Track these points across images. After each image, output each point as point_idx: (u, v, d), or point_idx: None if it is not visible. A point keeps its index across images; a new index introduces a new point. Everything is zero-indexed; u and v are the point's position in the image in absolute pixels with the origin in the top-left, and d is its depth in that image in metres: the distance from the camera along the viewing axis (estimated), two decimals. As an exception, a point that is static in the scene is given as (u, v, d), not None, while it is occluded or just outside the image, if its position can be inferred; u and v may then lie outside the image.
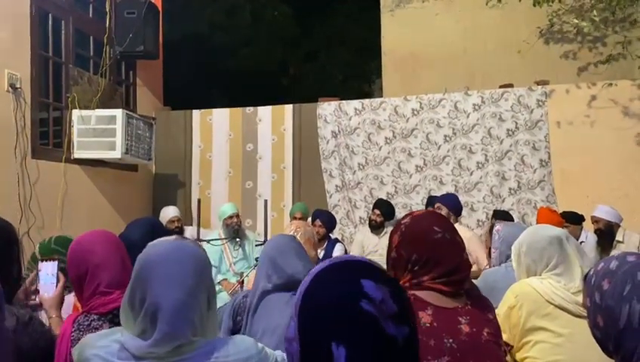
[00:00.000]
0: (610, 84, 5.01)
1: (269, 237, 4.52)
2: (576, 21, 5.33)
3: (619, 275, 1.15)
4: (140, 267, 1.30)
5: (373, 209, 5.19)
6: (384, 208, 5.14)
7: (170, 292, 1.24)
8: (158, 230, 2.27)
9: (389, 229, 5.20)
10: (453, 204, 4.54)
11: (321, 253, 4.57)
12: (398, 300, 0.87)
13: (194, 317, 1.26)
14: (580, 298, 1.96)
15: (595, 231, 4.48)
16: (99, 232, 1.85)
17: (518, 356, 2.00)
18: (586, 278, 1.25)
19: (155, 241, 1.36)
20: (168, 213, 5.09)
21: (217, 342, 1.30)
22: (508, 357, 1.96)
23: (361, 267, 0.90)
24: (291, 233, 2.51)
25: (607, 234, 4.41)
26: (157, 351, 1.23)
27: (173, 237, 1.46)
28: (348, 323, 0.83)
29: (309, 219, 4.91)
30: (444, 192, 5.15)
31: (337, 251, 4.63)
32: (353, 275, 0.87)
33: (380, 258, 5.10)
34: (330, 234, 4.86)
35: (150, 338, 1.23)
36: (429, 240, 1.55)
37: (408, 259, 1.55)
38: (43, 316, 1.85)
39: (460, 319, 1.52)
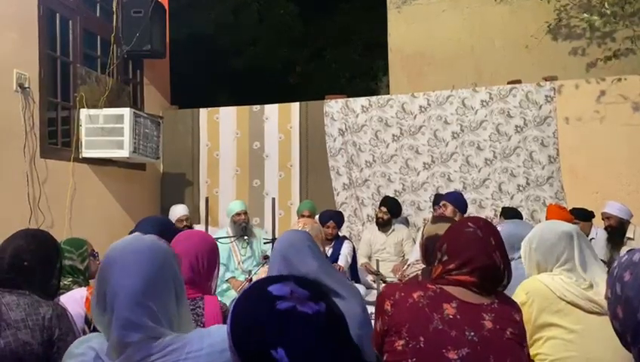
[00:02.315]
0: (620, 79, 4.97)
1: (276, 236, 4.52)
2: (586, 15, 5.28)
3: None
4: (102, 266, 1.27)
5: (380, 206, 5.18)
6: (391, 206, 5.13)
7: (126, 281, 1.20)
8: (168, 228, 2.27)
9: (396, 227, 5.20)
10: (458, 201, 4.51)
11: (329, 251, 4.58)
12: (306, 286, 0.96)
13: (153, 306, 1.19)
14: (591, 294, 1.95)
15: (606, 228, 4.45)
16: (199, 233, 2.11)
17: (530, 353, 1.98)
18: (609, 271, 1.24)
19: (117, 241, 1.33)
20: (177, 211, 5.10)
21: (190, 335, 1.23)
22: None
23: (265, 280, 1.01)
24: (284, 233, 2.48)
25: (618, 230, 4.38)
26: (121, 348, 1.17)
27: (135, 234, 1.43)
28: (273, 326, 0.90)
29: (316, 217, 4.91)
30: (452, 189, 5.14)
31: (345, 248, 4.63)
32: (261, 288, 0.97)
33: (387, 256, 5.09)
34: (339, 232, 4.86)
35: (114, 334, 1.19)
36: (460, 232, 1.67)
37: (440, 247, 1.69)
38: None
39: (484, 315, 1.55)
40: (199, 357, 1.18)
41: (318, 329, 0.90)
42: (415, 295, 1.56)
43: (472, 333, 1.50)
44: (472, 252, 1.61)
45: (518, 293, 2.04)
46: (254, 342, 0.91)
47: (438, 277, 1.64)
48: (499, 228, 2.81)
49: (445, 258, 1.65)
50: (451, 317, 1.52)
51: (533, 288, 2.02)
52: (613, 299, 1.18)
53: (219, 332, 1.23)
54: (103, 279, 1.24)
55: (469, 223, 1.69)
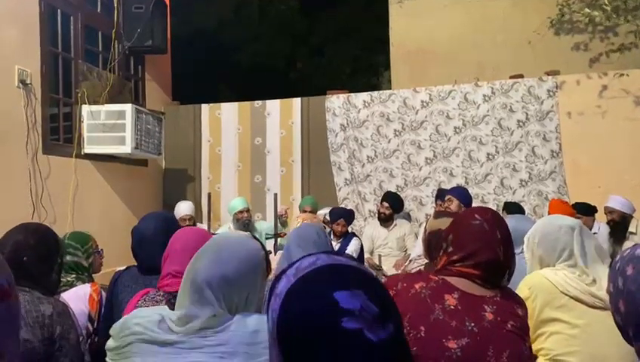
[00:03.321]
0: (622, 74, 4.96)
1: (278, 231, 4.54)
2: (588, 10, 5.27)
3: None
4: (204, 245, 1.43)
5: (382, 202, 5.18)
6: (392, 201, 5.13)
7: (209, 270, 1.35)
8: (171, 225, 2.26)
9: (398, 222, 5.20)
10: (464, 196, 4.52)
11: (336, 246, 4.58)
12: (376, 297, 0.84)
13: (222, 298, 1.33)
14: (594, 289, 1.95)
15: (608, 222, 4.44)
16: (194, 229, 2.11)
17: (533, 348, 1.98)
18: (611, 265, 1.24)
19: (228, 231, 1.42)
20: (180, 210, 4.93)
21: (238, 315, 1.36)
22: None
23: (331, 275, 0.86)
24: (298, 226, 2.52)
25: (620, 225, 4.37)
26: (187, 319, 1.32)
27: (246, 234, 1.54)
28: (333, 348, 0.79)
29: (323, 212, 4.91)
30: (455, 184, 5.14)
31: (352, 245, 4.63)
32: (326, 290, 0.82)
33: (389, 251, 5.10)
34: (348, 230, 4.87)
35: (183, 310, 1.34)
36: (466, 224, 1.66)
37: (445, 237, 1.68)
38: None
39: (486, 307, 1.55)
40: (245, 334, 1.33)
41: (379, 354, 0.80)
42: (417, 285, 1.57)
43: (472, 324, 1.50)
44: (477, 245, 1.60)
45: (521, 288, 2.04)
46: (305, 348, 0.81)
47: (442, 267, 1.64)
48: None
49: (450, 249, 1.65)
50: (452, 307, 1.52)
51: (536, 283, 2.02)
52: (615, 293, 1.18)
53: (263, 316, 1.34)
54: (197, 255, 1.40)
55: (476, 215, 1.68)
